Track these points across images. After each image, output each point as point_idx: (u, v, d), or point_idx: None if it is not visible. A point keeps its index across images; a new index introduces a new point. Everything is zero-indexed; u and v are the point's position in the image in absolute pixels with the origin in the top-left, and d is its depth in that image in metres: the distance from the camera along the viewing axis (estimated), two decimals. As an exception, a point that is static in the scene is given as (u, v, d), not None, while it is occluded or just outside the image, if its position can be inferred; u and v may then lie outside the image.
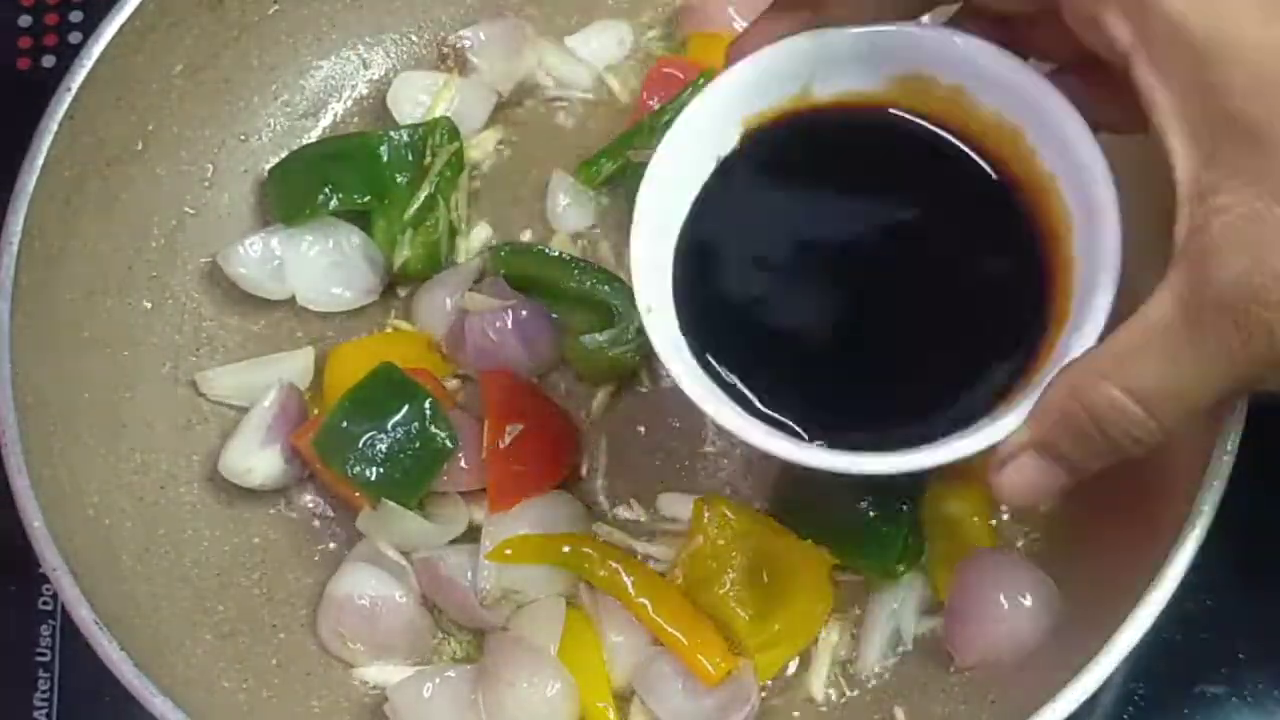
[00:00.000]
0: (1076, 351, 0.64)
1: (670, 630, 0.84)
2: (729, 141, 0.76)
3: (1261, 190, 0.56)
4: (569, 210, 1.01)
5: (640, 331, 0.91)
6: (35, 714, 0.97)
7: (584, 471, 0.93)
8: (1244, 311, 0.56)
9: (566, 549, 0.87)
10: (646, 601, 0.85)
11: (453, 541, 0.91)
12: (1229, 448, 0.76)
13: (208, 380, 0.96)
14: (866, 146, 0.77)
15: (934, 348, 0.74)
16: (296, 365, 0.97)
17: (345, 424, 0.88)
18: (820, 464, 0.68)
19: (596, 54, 1.06)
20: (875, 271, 0.75)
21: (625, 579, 0.86)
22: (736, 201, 0.76)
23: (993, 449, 0.65)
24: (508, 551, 0.87)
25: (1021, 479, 0.64)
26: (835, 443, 0.70)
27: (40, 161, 0.87)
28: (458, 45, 1.04)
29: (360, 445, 0.87)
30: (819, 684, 0.87)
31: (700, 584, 0.86)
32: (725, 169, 0.76)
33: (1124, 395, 0.59)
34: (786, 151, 0.76)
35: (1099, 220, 0.66)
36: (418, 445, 0.88)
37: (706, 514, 0.87)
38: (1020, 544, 0.90)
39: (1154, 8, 0.58)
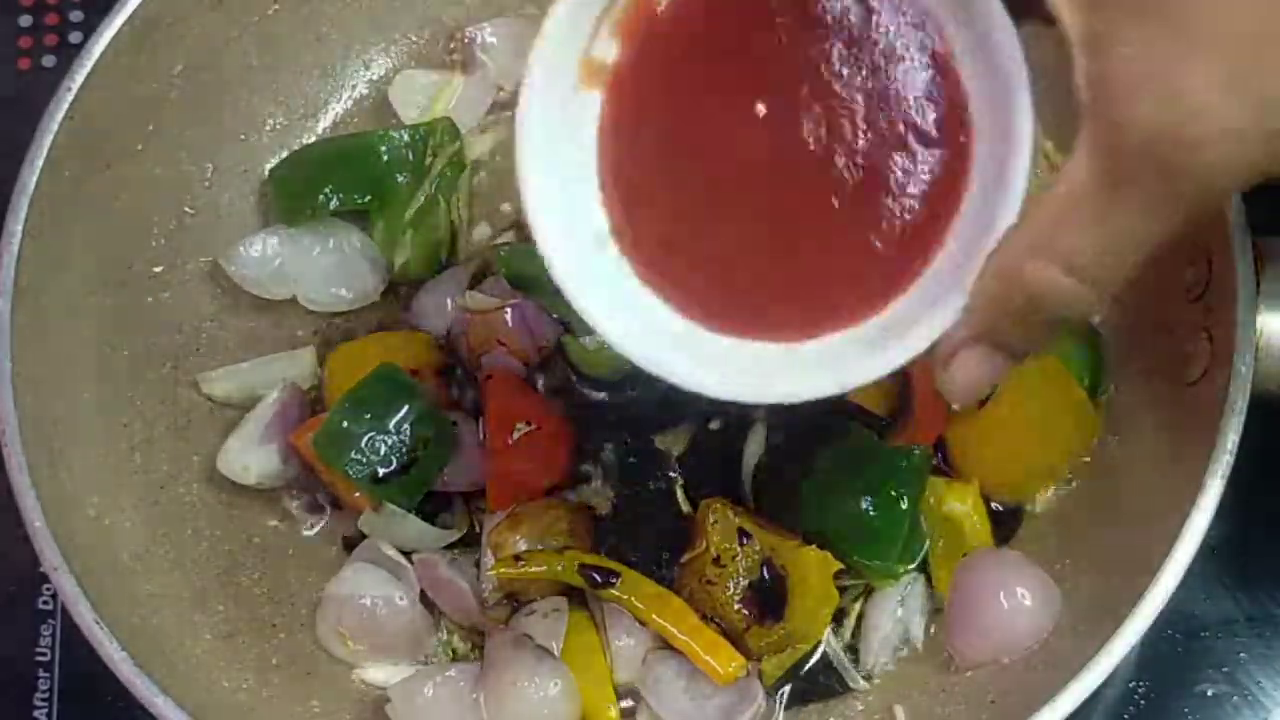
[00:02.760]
0: (1001, 228, 0.60)
1: (679, 634, 0.85)
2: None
3: (1151, 24, 0.53)
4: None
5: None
6: (35, 714, 0.97)
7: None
8: (1162, 153, 0.53)
9: (570, 566, 0.87)
10: (653, 610, 0.85)
11: (453, 542, 0.91)
12: (1229, 448, 0.76)
13: (209, 380, 0.96)
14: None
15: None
16: (298, 365, 0.97)
17: (345, 424, 0.88)
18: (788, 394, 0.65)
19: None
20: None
21: (630, 592, 0.86)
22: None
23: (933, 347, 0.63)
24: (515, 565, 0.87)
25: (966, 374, 0.62)
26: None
27: (40, 161, 0.87)
28: (466, 41, 1.04)
29: (361, 445, 0.87)
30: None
31: (705, 588, 0.86)
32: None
33: (1057, 270, 0.57)
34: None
35: (1007, 92, 0.62)
36: (418, 445, 0.88)
37: (711, 518, 0.87)
38: (1021, 543, 0.90)
39: None
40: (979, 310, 0.60)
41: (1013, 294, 0.59)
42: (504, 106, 1.05)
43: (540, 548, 0.87)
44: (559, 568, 0.86)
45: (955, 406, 0.73)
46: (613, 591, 0.86)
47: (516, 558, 0.87)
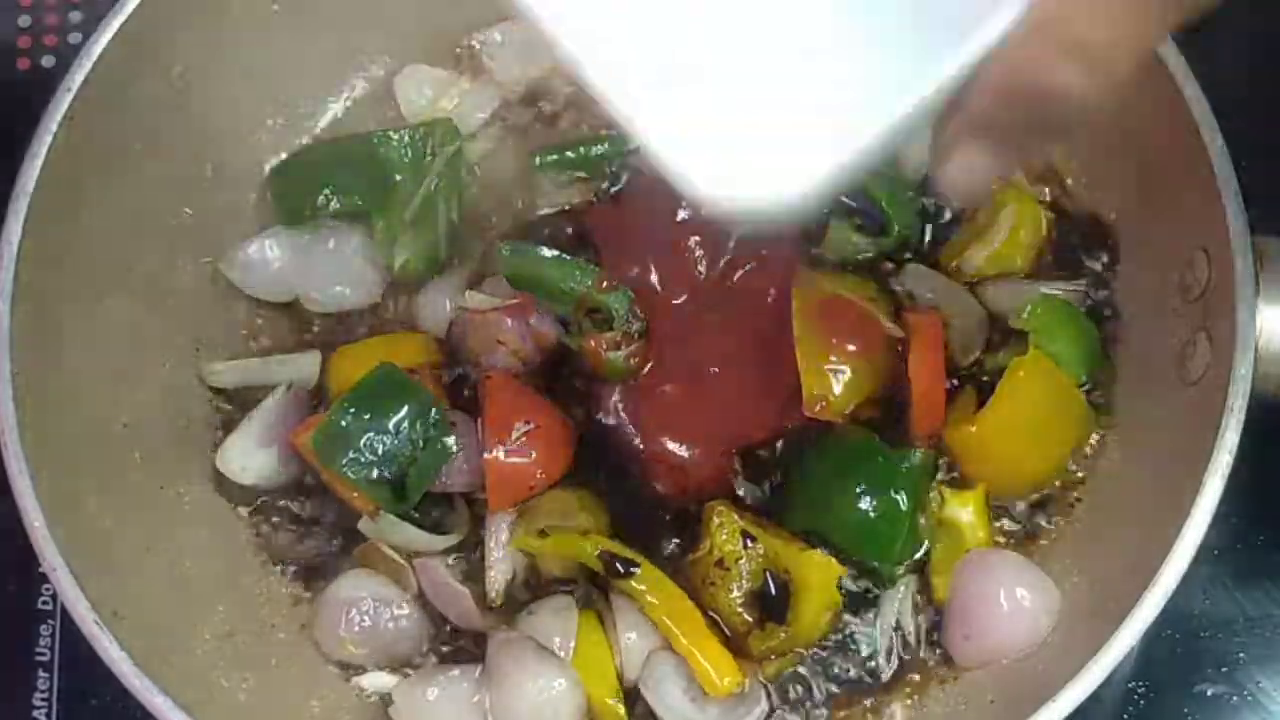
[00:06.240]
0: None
1: (683, 640, 0.84)
2: None
3: None
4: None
5: (640, 335, 0.92)
6: (35, 714, 0.97)
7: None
8: None
9: (592, 548, 0.87)
10: (664, 609, 0.85)
11: (453, 546, 0.91)
12: (1229, 448, 0.76)
13: (215, 373, 0.96)
14: None
15: None
16: (303, 368, 0.97)
17: (345, 423, 0.88)
18: None
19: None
20: None
21: (647, 586, 0.86)
22: None
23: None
24: (540, 538, 0.87)
25: (965, 169, 0.59)
26: None
27: (40, 161, 0.87)
28: (473, 46, 1.04)
29: (359, 445, 0.87)
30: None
31: (707, 590, 0.86)
32: None
33: (1066, 56, 0.54)
34: None
35: None
36: (417, 445, 0.88)
37: (715, 520, 0.87)
38: (1021, 544, 0.90)
39: None
40: (981, 100, 0.57)
41: (1018, 81, 0.56)
42: (507, 110, 1.05)
43: (564, 525, 0.87)
44: (585, 547, 0.86)
45: (956, 204, 0.67)
46: (630, 583, 0.85)
47: (541, 532, 0.86)
